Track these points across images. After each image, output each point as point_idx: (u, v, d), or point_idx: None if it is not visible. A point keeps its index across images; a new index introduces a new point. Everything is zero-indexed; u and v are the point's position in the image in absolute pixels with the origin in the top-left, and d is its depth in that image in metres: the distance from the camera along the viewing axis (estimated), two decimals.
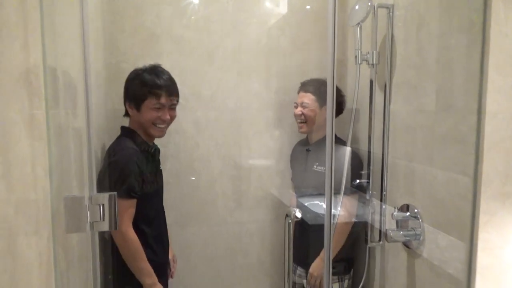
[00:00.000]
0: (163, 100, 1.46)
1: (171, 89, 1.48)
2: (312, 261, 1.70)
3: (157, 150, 1.59)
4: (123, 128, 1.54)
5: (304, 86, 1.80)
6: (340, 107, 1.76)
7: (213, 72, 1.92)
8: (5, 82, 0.68)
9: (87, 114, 0.93)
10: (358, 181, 1.66)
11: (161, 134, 1.52)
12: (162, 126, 1.50)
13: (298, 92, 1.83)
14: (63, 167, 0.96)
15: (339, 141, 1.69)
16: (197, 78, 1.91)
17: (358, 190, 1.68)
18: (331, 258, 1.59)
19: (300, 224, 1.74)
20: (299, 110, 1.78)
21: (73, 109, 1.04)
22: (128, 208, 1.40)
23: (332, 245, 1.59)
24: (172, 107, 1.51)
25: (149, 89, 1.44)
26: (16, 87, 0.72)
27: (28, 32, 0.75)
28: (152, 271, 1.44)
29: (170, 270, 1.72)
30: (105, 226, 0.93)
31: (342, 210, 1.65)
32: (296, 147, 1.97)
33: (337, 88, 1.75)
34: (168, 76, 1.50)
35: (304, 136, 1.89)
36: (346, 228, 1.68)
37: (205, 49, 1.90)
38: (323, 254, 1.56)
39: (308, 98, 1.75)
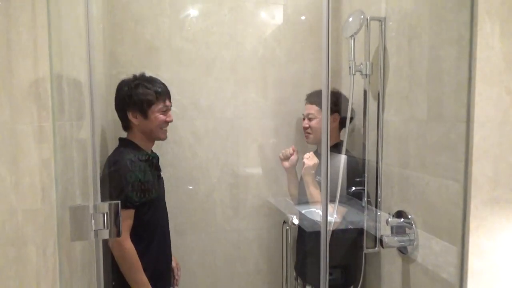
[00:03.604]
0: (167, 103, 1.57)
1: (169, 93, 1.60)
2: (310, 273, 1.72)
3: (156, 158, 1.62)
4: (121, 139, 1.58)
5: (310, 98, 1.83)
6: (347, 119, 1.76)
7: (211, 82, 1.97)
8: (17, 96, 0.71)
9: (92, 125, 0.96)
10: (354, 188, 1.70)
11: (166, 136, 1.62)
12: (166, 128, 1.60)
13: (305, 104, 1.86)
14: (68, 177, 0.99)
15: (347, 153, 1.71)
16: (196, 88, 1.95)
17: (353, 197, 1.71)
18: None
19: (303, 233, 1.76)
20: (306, 123, 1.82)
21: (77, 120, 1.07)
22: (126, 219, 1.42)
23: None
24: (170, 110, 1.62)
25: (155, 94, 1.53)
26: (27, 101, 0.75)
27: (37, 49, 0.79)
28: (147, 282, 1.45)
29: (174, 278, 1.74)
30: (108, 234, 0.96)
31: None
32: None
33: (347, 100, 1.79)
34: (162, 82, 1.60)
35: (315, 147, 1.91)
36: None
37: (203, 60, 1.95)
38: None
39: (314, 110, 1.78)
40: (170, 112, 1.60)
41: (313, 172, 1.70)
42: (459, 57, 1.17)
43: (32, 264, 0.77)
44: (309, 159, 1.70)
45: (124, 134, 1.60)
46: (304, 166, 1.70)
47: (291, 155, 1.86)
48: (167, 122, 1.58)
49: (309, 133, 1.82)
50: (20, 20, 0.73)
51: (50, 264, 0.85)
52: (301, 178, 1.85)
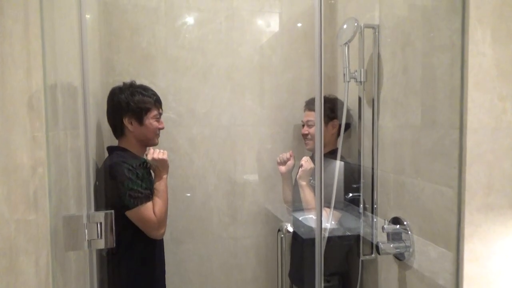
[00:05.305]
0: (161, 110, 1.62)
1: (161, 101, 1.64)
2: (305, 280, 1.72)
3: (148, 163, 1.63)
4: (113, 147, 1.58)
5: (309, 105, 1.85)
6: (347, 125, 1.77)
7: (207, 90, 1.97)
8: (10, 107, 0.72)
9: (85, 134, 0.97)
10: (350, 194, 1.70)
11: (158, 142, 1.65)
12: (158, 134, 1.63)
13: (304, 111, 1.88)
14: (62, 186, 0.99)
15: (343, 159, 1.72)
16: (192, 96, 1.96)
17: (350, 203, 1.71)
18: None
19: (297, 240, 1.76)
20: (305, 130, 1.84)
21: (71, 130, 1.07)
22: (146, 213, 1.45)
23: None
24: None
25: (151, 101, 1.57)
26: (20, 112, 0.75)
27: (30, 59, 0.79)
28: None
29: None
30: (102, 244, 0.96)
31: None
32: None
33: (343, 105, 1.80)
34: (153, 90, 1.64)
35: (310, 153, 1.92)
36: None
37: (199, 68, 1.96)
38: None
39: (313, 116, 1.79)
40: (161, 119, 1.64)
41: (309, 176, 1.71)
42: (452, 64, 1.18)
43: (25, 275, 0.76)
44: (307, 162, 1.70)
45: (114, 142, 1.61)
46: (301, 169, 1.70)
47: (288, 160, 1.86)
48: (160, 129, 1.62)
49: (309, 140, 1.83)
50: (13, 31, 0.73)
51: (43, 275, 0.84)
52: (295, 184, 1.85)
